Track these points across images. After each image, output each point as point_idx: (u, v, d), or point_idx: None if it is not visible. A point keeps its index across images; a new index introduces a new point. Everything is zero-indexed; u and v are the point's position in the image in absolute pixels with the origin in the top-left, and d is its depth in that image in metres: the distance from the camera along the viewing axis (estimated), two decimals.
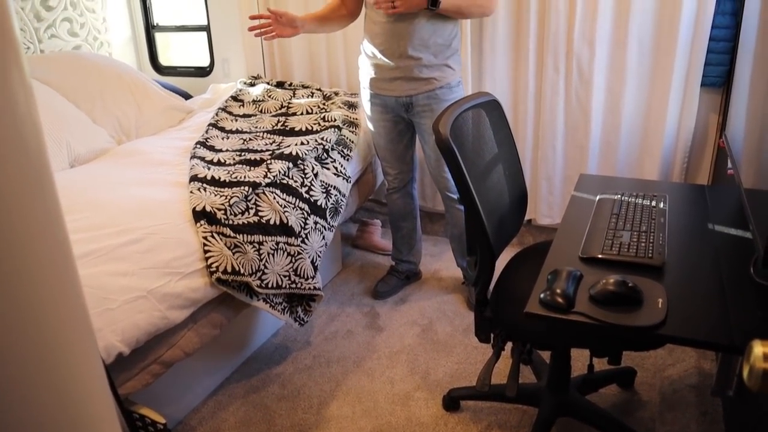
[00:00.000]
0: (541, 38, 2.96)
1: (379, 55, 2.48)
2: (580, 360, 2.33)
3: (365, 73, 2.60)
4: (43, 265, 0.53)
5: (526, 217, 3.01)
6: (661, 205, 1.77)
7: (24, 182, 0.51)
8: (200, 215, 1.93)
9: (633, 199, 1.81)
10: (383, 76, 2.52)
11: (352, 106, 2.98)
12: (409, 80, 2.47)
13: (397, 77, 2.48)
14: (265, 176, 2.19)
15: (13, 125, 0.49)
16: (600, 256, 1.48)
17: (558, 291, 1.30)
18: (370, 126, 2.72)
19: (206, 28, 3.67)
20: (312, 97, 3.11)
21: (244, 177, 2.17)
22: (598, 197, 1.86)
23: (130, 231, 1.81)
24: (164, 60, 3.95)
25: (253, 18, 2.48)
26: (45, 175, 0.53)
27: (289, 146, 2.46)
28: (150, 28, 3.86)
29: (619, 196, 1.84)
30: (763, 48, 1.53)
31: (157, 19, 3.87)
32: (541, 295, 1.31)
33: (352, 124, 2.81)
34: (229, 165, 2.35)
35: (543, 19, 2.93)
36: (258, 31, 2.46)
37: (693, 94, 2.81)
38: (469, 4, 2.39)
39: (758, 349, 0.80)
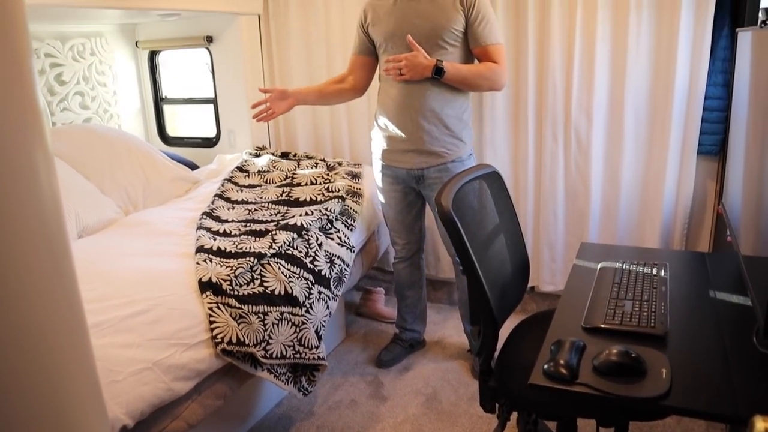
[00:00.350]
0: (540, 109, 3.05)
1: (392, 127, 2.54)
2: (587, 429, 2.29)
3: (377, 144, 2.66)
4: (59, 336, 0.55)
5: (529, 285, 3.02)
6: (662, 273, 1.79)
7: (43, 254, 0.53)
8: (206, 286, 1.95)
9: (634, 268, 1.83)
10: (395, 147, 2.56)
11: (355, 176, 3.04)
12: (421, 153, 2.52)
13: (409, 149, 2.53)
14: (270, 247, 2.22)
15: (35, 198, 0.52)
16: (603, 325, 1.49)
17: (561, 362, 1.30)
18: (381, 196, 2.76)
19: (213, 101, 3.78)
20: (316, 167, 3.18)
21: (250, 248, 2.21)
22: (599, 266, 1.88)
23: (137, 302, 1.83)
24: (171, 131, 4.05)
25: (254, 107, 2.62)
26: (63, 248, 0.56)
27: (293, 217, 2.51)
28: (158, 101, 3.98)
29: (620, 264, 1.86)
30: (755, 119, 1.58)
31: (166, 91, 3.99)
32: (545, 366, 1.32)
33: (356, 194, 2.86)
34: (235, 236, 2.39)
35: (541, 91, 3.03)
36: (261, 116, 2.61)
37: (690, 162, 2.87)
38: (476, 76, 2.45)
39: (760, 425, 0.81)
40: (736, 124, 1.91)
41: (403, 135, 2.51)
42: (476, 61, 2.51)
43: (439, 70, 2.35)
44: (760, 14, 1.62)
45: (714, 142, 2.85)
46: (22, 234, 0.51)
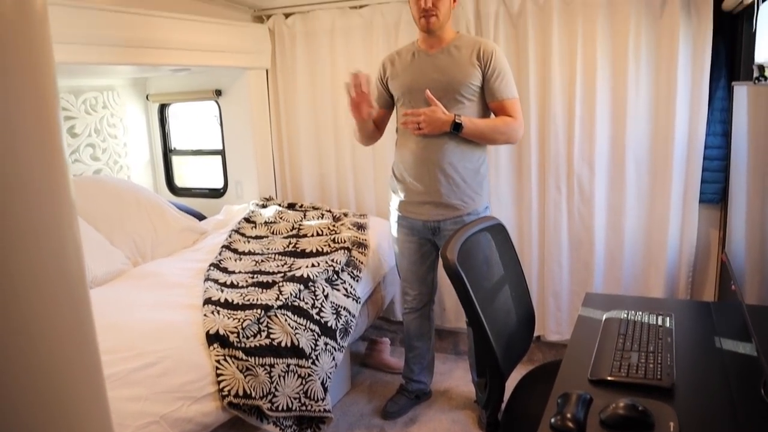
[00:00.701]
0: (543, 159, 3.10)
1: (409, 179, 2.56)
2: None
3: (394, 195, 2.68)
4: (78, 386, 0.57)
5: (535, 334, 3.01)
6: (668, 323, 1.79)
7: (64, 303, 0.55)
8: (213, 338, 1.97)
9: (639, 318, 1.83)
10: (412, 199, 2.58)
11: (361, 227, 3.07)
12: (438, 205, 2.53)
13: (426, 201, 2.54)
14: (277, 298, 2.24)
15: (59, 248, 0.55)
16: (609, 378, 1.49)
17: (568, 416, 1.30)
18: (395, 247, 2.77)
19: (221, 152, 3.85)
20: (322, 218, 3.22)
21: (257, 299, 2.22)
22: (604, 316, 1.88)
23: (145, 355, 1.84)
24: (179, 181, 4.12)
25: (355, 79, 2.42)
26: (83, 296, 0.58)
27: (300, 268, 2.53)
28: (167, 152, 4.05)
29: (626, 314, 1.87)
30: (754, 170, 1.61)
31: (175, 143, 4.07)
32: (552, 420, 1.32)
33: (362, 245, 2.88)
34: (242, 287, 2.41)
35: (543, 142, 3.08)
36: (355, 95, 2.44)
37: (692, 211, 2.90)
38: (493, 131, 2.48)
39: None
40: (736, 174, 1.94)
41: (421, 187, 2.53)
42: (492, 114, 2.55)
43: (457, 126, 2.38)
44: (754, 70, 1.67)
45: (715, 190, 2.89)
46: (45, 283, 0.54)
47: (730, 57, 2.77)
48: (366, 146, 2.87)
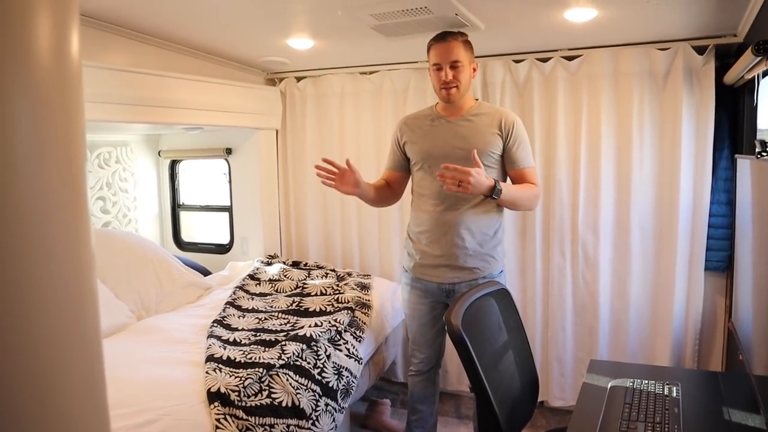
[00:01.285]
0: (547, 225, 3.13)
1: (425, 241, 2.55)
2: None
3: (408, 256, 2.66)
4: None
5: (539, 399, 2.97)
6: (675, 393, 1.77)
7: (80, 359, 0.56)
8: (215, 396, 1.95)
9: (645, 387, 1.81)
10: (427, 262, 2.56)
11: (364, 287, 3.08)
12: (453, 268, 2.52)
13: (442, 264, 2.53)
14: (280, 357, 2.22)
15: (78, 297, 0.56)
16: None
17: None
18: (406, 309, 2.73)
19: (228, 209, 3.89)
20: (326, 277, 3.22)
21: (259, 358, 2.21)
22: (610, 384, 1.86)
23: (146, 411, 1.82)
24: (186, 236, 4.15)
25: (325, 161, 2.43)
26: (97, 350, 0.59)
27: (303, 327, 2.52)
28: (176, 207, 4.10)
29: (632, 383, 1.85)
30: (759, 241, 1.63)
31: (183, 198, 4.12)
32: None
33: (365, 305, 2.88)
34: (245, 345, 2.40)
35: (548, 207, 3.11)
36: (324, 176, 2.44)
37: (698, 278, 2.90)
38: (524, 197, 2.48)
39: None
40: (741, 243, 1.95)
41: (437, 251, 2.52)
42: (509, 181, 2.56)
43: (496, 191, 2.32)
44: (757, 145, 1.70)
45: (721, 258, 2.89)
46: (63, 338, 0.55)
47: (732, 128, 2.83)
48: (382, 207, 2.87)
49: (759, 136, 2.56)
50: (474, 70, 2.51)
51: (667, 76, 2.85)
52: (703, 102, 2.80)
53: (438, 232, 2.50)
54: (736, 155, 2.36)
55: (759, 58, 2.00)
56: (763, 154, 1.74)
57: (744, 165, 1.89)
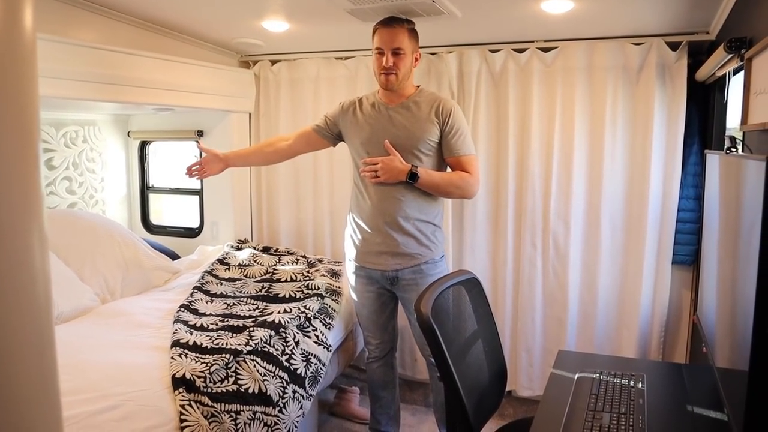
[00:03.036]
0: (519, 216, 3.14)
1: (367, 229, 2.57)
2: None
3: (351, 245, 2.68)
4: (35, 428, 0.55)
5: (507, 389, 2.99)
6: (640, 385, 1.79)
7: (30, 337, 0.54)
8: (180, 382, 1.92)
9: (611, 379, 1.83)
10: (369, 249, 2.59)
11: (335, 274, 3.06)
12: (395, 255, 2.54)
13: (384, 251, 2.55)
14: (247, 344, 2.20)
15: (29, 279, 0.53)
16: None
17: None
18: (354, 296, 2.75)
19: (199, 192, 3.83)
20: (297, 263, 3.20)
21: (226, 344, 2.18)
22: (576, 376, 1.88)
23: (107, 397, 1.79)
24: (155, 219, 4.08)
25: (189, 168, 2.80)
26: (48, 332, 0.56)
27: (272, 313, 2.50)
28: (145, 189, 4.02)
29: (598, 375, 1.87)
30: (725, 236, 1.65)
31: (153, 180, 4.04)
32: None
33: (335, 292, 2.86)
34: (212, 330, 2.37)
35: (520, 198, 3.12)
36: (192, 173, 2.79)
37: (665, 272, 2.94)
38: (448, 184, 2.51)
39: None
40: (708, 237, 1.98)
41: (378, 238, 2.55)
42: (448, 169, 2.59)
43: (413, 176, 2.42)
44: (726, 141, 1.72)
45: (688, 252, 2.94)
46: (12, 316, 0.52)
47: (703, 124, 2.86)
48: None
49: (728, 133, 2.59)
50: (416, 59, 2.53)
51: (641, 70, 2.87)
52: (675, 97, 2.82)
53: (378, 220, 2.53)
54: (706, 151, 2.39)
55: (730, 55, 2.02)
56: (731, 149, 1.76)
57: (713, 160, 1.91)
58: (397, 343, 2.86)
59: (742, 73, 2.02)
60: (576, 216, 3.04)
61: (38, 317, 0.55)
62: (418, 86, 2.60)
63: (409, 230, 2.51)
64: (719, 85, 2.66)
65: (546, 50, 3.01)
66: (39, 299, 0.55)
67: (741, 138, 1.89)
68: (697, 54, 2.82)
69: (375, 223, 2.54)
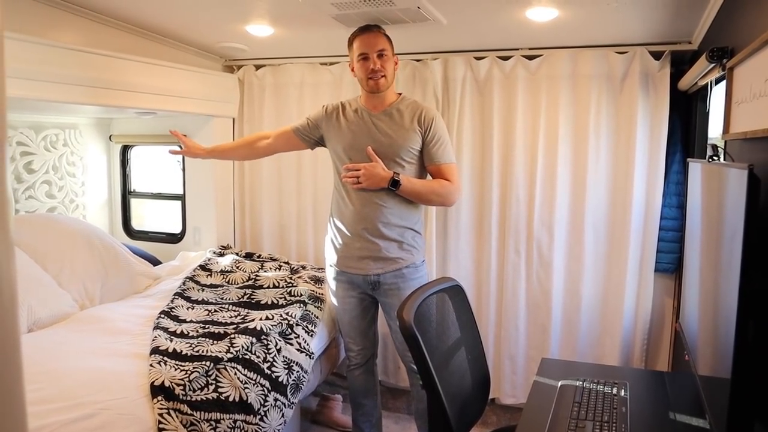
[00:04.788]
0: (503, 223, 3.14)
1: (348, 234, 2.56)
2: None
3: (332, 250, 2.67)
4: None
5: (490, 396, 2.98)
6: (623, 393, 1.79)
7: None
8: (158, 390, 1.88)
9: (594, 387, 1.83)
10: (351, 254, 2.57)
11: (318, 280, 3.04)
12: (377, 260, 2.53)
13: (365, 256, 2.54)
14: (228, 351, 2.17)
15: None
16: None
17: None
18: (334, 302, 2.73)
19: (181, 198, 3.79)
20: (279, 270, 3.17)
21: (207, 351, 2.15)
22: (560, 383, 1.88)
23: (83, 406, 1.75)
24: (137, 224, 4.03)
25: (172, 132, 2.86)
26: (12, 340, 0.54)
27: (253, 320, 2.47)
28: (126, 194, 3.98)
29: (581, 382, 1.86)
30: (707, 245, 1.65)
31: (135, 185, 4.00)
32: None
33: (318, 299, 2.84)
34: (192, 337, 2.33)
35: (504, 205, 3.12)
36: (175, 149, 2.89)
37: (648, 279, 2.95)
38: (429, 191, 2.51)
39: None
40: (690, 246, 1.98)
41: (359, 242, 2.54)
42: (429, 177, 2.59)
43: (395, 183, 2.42)
44: (708, 149, 1.73)
45: (670, 260, 2.95)
46: None
47: (685, 133, 2.88)
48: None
49: (710, 142, 2.61)
50: (396, 64, 2.55)
51: (624, 79, 2.89)
52: (658, 106, 2.84)
53: (359, 226, 2.52)
54: (689, 159, 2.41)
55: (713, 64, 2.03)
56: (714, 158, 1.76)
57: (695, 169, 1.92)
58: (377, 350, 2.84)
59: (724, 83, 2.03)
60: (559, 223, 3.04)
61: (1, 322, 0.53)
62: (400, 94, 2.60)
63: (390, 236, 2.51)
64: (701, 94, 2.68)
65: (531, 58, 3.02)
66: (4, 303, 0.53)
67: (723, 147, 1.90)
68: (680, 63, 2.84)
69: (356, 228, 2.53)
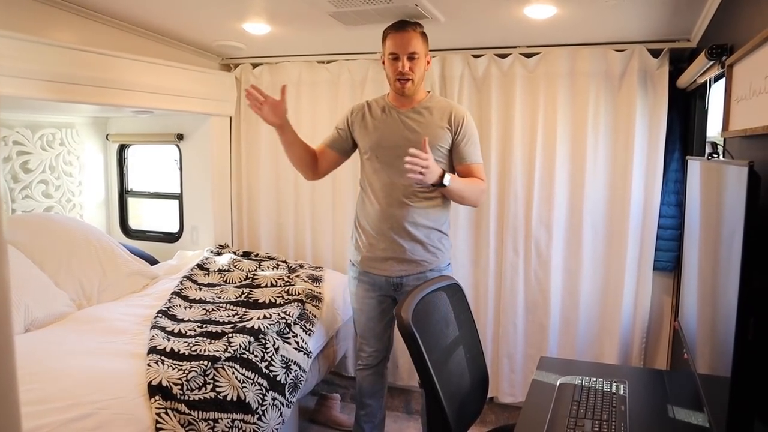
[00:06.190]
0: (501, 221, 3.13)
1: (372, 235, 2.52)
2: None
3: (355, 249, 2.62)
4: None
5: (489, 395, 2.98)
6: (621, 391, 1.79)
7: None
8: (156, 390, 1.87)
9: (593, 385, 1.82)
10: (375, 255, 2.54)
11: (316, 279, 3.03)
12: (401, 261, 2.50)
13: (389, 257, 2.51)
14: (226, 350, 2.16)
15: None
16: None
17: None
18: (353, 302, 2.70)
19: (179, 197, 3.78)
20: (277, 269, 3.16)
21: (204, 350, 2.14)
22: (559, 381, 1.87)
23: (80, 405, 1.74)
24: (134, 223, 4.02)
25: (253, 88, 2.41)
26: (5, 340, 0.53)
27: (251, 319, 2.46)
28: (124, 193, 3.97)
29: (580, 381, 1.86)
30: (705, 242, 1.64)
31: (132, 184, 3.99)
32: None
33: (316, 298, 2.83)
34: (190, 336, 2.32)
35: (502, 203, 3.12)
36: (252, 97, 2.40)
37: (646, 278, 2.95)
38: (471, 190, 2.47)
39: None
40: (689, 243, 1.98)
41: (384, 243, 2.50)
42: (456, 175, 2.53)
43: (446, 179, 2.31)
44: (707, 146, 1.72)
45: (669, 258, 2.95)
46: None
47: (683, 131, 2.88)
48: (308, 179, 2.75)
49: (709, 140, 2.61)
50: (428, 62, 2.50)
51: (623, 77, 2.89)
52: (657, 104, 2.84)
53: (385, 226, 2.49)
54: (687, 157, 2.41)
55: (711, 62, 2.03)
56: (713, 155, 1.76)
57: (694, 166, 1.91)
58: (390, 353, 2.80)
59: (722, 80, 2.03)
60: (558, 221, 3.04)
61: None
62: (429, 91, 2.57)
63: (417, 236, 2.47)
64: (700, 92, 2.67)
65: (529, 56, 3.01)
66: None
67: (722, 144, 1.90)
68: (679, 61, 2.84)
69: (381, 228, 2.50)
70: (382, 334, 2.68)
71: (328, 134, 2.67)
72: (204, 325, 2.45)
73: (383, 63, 2.48)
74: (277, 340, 2.40)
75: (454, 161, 2.51)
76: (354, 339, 3.42)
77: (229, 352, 2.16)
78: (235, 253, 3.39)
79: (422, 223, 2.47)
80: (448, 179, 2.32)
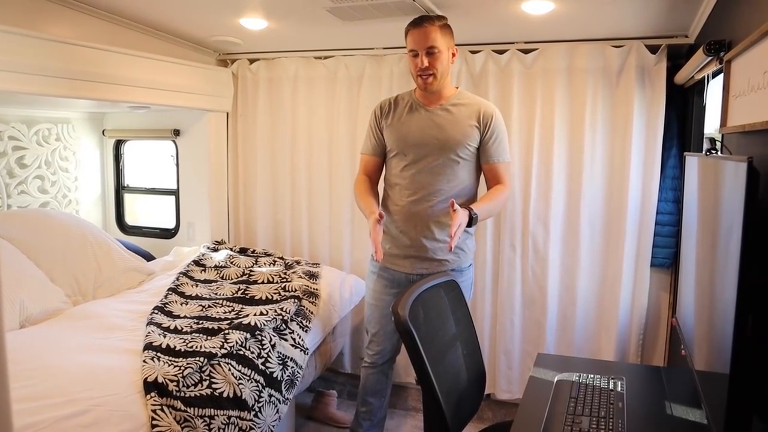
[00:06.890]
0: (498, 217, 3.12)
1: (396, 232, 2.49)
2: None
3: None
4: None
5: (486, 392, 2.97)
6: (619, 388, 1.78)
7: None
8: (151, 386, 1.87)
9: (591, 381, 1.82)
10: (397, 252, 2.51)
11: (313, 276, 3.02)
12: (423, 260, 2.47)
13: (411, 255, 2.48)
14: (222, 346, 2.15)
15: None
16: None
17: None
18: (368, 298, 2.66)
19: (175, 192, 3.77)
20: (274, 265, 3.15)
21: (201, 346, 2.13)
22: (556, 378, 1.87)
23: (76, 402, 1.73)
24: (130, 219, 4.00)
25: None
26: None
27: (247, 316, 2.45)
28: (120, 189, 3.95)
29: (577, 377, 1.85)
30: (703, 238, 1.64)
31: (128, 180, 3.97)
32: None
33: (313, 294, 2.82)
34: (186, 333, 2.31)
35: None
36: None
37: (644, 274, 2.95)
38: (496, 208, 2.49)
39: None
40: (686, 240, 1.97)
41: (407, 241, 2.47)
42: (482, 174, 2.51)
43: (474, 219, 2.26)
44: (705, 143, 1.72)
45: (666, 255, 2.94)
46: None
47: (681, 127, 2.87)
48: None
49: (706, 136, 2.60)
50: (453, 55, 2.43)
51: (621, 73, 2.88)
52: (654, 101, 2.83)
53: (408, 224, 2.46)
54: (685, 153, 2.40)
55: (709, 58, 2.02)
56: (711, 151, 1.75)
57: (692, 162, 1.91)
58: (397, 355, 2.75)
59: (720, 76, 2.02)
60: (555, 218, 3.03)
61: None
62: (457, 87, 2.53)
63: (440, 236, 2.44)
64: (698, 88, 2.67)
65: (526, 52, 3.00)
66: None
67: (720, 140, 1.89)
68: (676, 57, 2.83)
69: (405, 226, 2.47)
70: (392, 333, 2.62)
71: (365, 142, 2.61)
72: (200, 322, 2.44)
73: (408, 61, 2.43)
74: (274, 336, 2.39)
75: (481, 159, 2.46)
76: (352, 336, 3.42)
77: (226, 349, 2.15)
78: (231, 250, 3.38)
79: (447, 222, 2.40)
80: (476, 217, 2.27)
